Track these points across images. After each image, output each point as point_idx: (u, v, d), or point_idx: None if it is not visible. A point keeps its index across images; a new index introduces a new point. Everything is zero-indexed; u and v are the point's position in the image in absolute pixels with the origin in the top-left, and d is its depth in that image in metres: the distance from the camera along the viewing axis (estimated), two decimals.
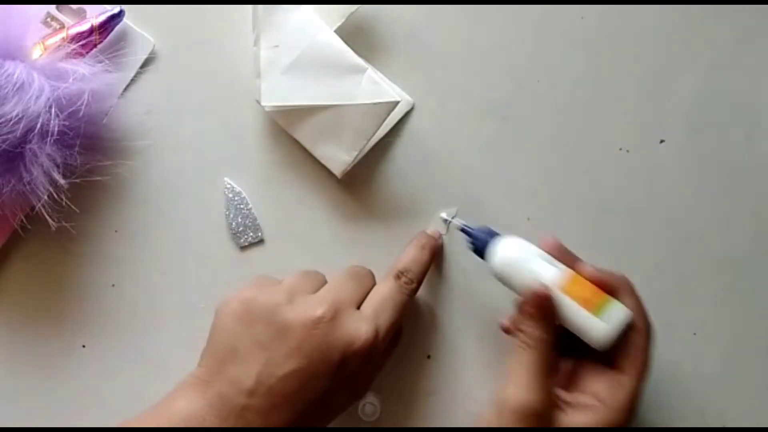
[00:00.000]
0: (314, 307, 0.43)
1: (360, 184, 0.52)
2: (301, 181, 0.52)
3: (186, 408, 0.42)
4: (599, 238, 0.52)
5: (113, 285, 0.52)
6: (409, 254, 0.49)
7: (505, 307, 0.52)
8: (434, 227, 0.51)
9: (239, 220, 0.52)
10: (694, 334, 0.52)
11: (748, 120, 0.52)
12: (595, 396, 0.45)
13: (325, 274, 0.48)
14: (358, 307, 0.46)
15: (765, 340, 0.52)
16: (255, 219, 0.52)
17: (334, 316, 0.43)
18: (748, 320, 0.52)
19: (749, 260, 0.52)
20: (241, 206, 0.52)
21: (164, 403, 0.43)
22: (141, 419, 0.43)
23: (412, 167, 0.52)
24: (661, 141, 0.52)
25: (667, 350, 0.52)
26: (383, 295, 0.46)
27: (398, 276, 0.47)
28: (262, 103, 0.49)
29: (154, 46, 0.51)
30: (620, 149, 0.52)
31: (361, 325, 0.44)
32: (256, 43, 0.49)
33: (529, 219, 0.52)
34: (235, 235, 0.52)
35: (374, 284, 0.48)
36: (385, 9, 0.52)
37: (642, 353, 0.45)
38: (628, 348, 0.45)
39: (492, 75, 0.52)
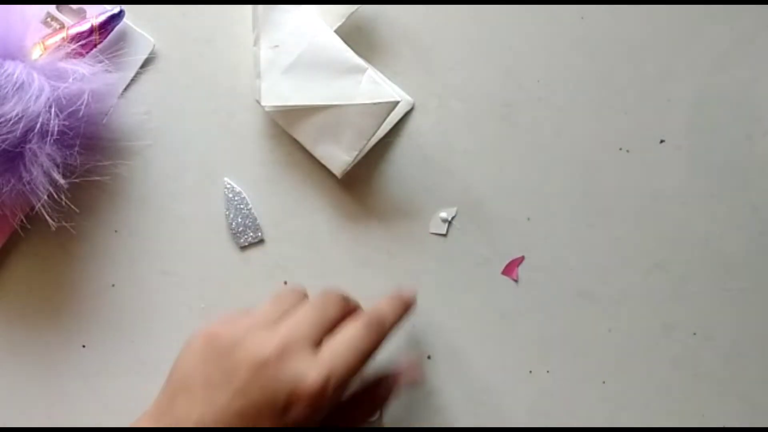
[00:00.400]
0: (263, 347, 0.42)
1: (360, 184, 0.52)
2: (301, 181, 0.52)
3: None
4: (599, 238, 0.52)
5: (113, 285, 0.52)
6: (384, 302, 0.47)
7: (506, 307, 0.52)
8: (410, 288, 0.50)
9: (239, 220, 0.52)
10: (694, 334, 0.52)
11: (748, 120, 0.52)
12: None
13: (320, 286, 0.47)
14: (321, 343, 0.43)
15: (765, 340, 0.52)
16: (255, 219, 0.52)
17: (282, 358, 0.42)
18: (748, 320, 0.52)
19: (749, 260, 0.52)
20: (241, 206, 0.52)
21: None
22: None
23: (412, 167, 0.52)
24: (661, 141, 0.52)
25: (667, 350, 0.52)
26: (347, 339, 0.44)
27: (370, 322, 0.45)
28: (262, 103, 0.49)
29: (154, 46, 0.51)
30: (620, 149, 0.52)
31: (311, 371, 0.42)
32: (256, 43, 0.49)
33: (529, 219, 0.52)
34: (235, 235, 0.52)
35: (344, 310, 0.46)
36: (385, 9, 0.52)
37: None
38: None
39: (492, 75, 0.52)
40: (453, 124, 0.52)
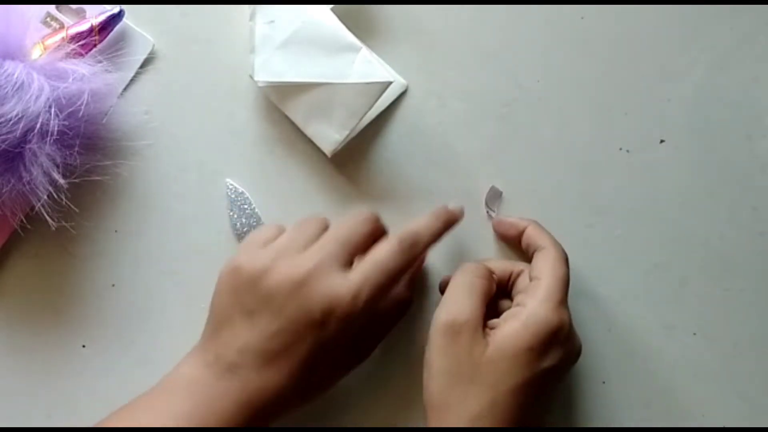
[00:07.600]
0: (295, 270, 0.44)
1: (363, 184, 0.52)
2: (305, 180, 0.52)
3: (187, 373, 0.45)
4: (599, 238, 0.52)
5: (113, 285, 0.52)
6: (420, 220, 0.47)
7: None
8: (456, 203, 0.49)
9: (243, 220, 0.52)
10: (694, 334, 0.52)
11: (748, 120, 0.52)
12: (517, 304, 0.46)
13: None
14: (351, 262, 0.45)
15: (765, 340, 0.52)
16: (259, 218, 0.52)
17: (314, 277, 0.43)
18: (748, 320, 0.52)
19: (749, 260, 0.52)
20: (245, 206, 0.52)
21: (170, 372, 0.45)
22: (153, 389, 0.45)
23: (412, 167, 0.52)
24: (661, 141, 0.52)
25: (667, 350, 0.52)
26: (378, 258, 0.45)
27: (402, 242, 0.45)
28: (255, 78, 0.49)
29: (154, 46, 0.51)
30: (620, 149, 0.52)
31: (342, 289, 0.43)
32: (251, 17, 0.49)
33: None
34: (239, 235, 0.52)
35: (377, 229, 0.46)
36: (386, 9, 0.52)
37: (552, 261, 0.47)
38: (539, 262, 0.47)
39: (492, 75, 0.52)
40: (453, 124, 0.52)
